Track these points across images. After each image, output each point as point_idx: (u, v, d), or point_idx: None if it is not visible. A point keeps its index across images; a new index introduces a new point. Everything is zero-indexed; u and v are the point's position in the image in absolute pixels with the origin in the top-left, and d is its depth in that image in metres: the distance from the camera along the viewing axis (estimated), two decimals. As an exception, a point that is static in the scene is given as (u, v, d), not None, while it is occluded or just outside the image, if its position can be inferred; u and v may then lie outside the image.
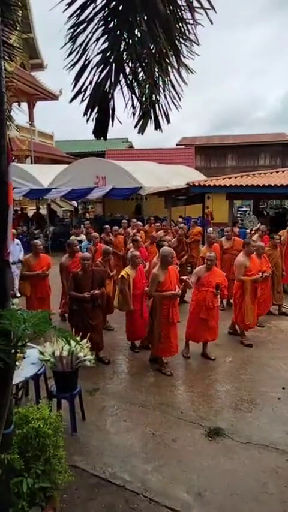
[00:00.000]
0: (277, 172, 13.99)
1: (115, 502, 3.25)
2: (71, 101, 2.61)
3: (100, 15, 2.49)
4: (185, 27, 2.57)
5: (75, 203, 18.80)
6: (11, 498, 2.57)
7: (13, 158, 22.32)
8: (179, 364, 5.75)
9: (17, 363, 3.49)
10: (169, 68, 2.68)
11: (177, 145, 28.47)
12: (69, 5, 2.45)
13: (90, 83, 2.58)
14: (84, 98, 2.61)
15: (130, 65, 2.61)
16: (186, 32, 2.58)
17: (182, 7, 2.49)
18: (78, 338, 4.12)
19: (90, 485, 3.45)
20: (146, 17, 2.37)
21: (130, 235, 9.52)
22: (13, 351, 2.44)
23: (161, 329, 5.39)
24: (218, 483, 3.46)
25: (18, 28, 4.53)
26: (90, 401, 4.75)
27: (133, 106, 2.75)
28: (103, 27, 2.52)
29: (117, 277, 6.83)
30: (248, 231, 11.20)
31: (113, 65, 2.55)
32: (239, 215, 18.55)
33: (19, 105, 22.43)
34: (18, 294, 7.05)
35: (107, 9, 2.49)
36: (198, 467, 3.66)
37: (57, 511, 2.89)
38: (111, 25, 2.51)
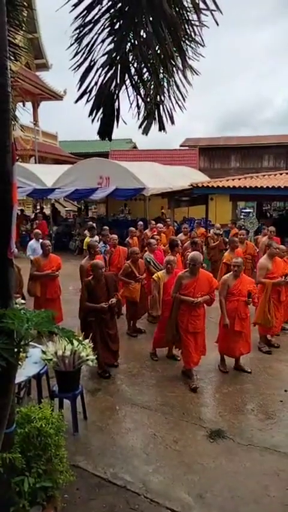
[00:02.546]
0: (281, 174, 13.95)
1: (116, 503, 3.25)
2: (77, 101, 2.62)
3: (106, 16, 2.51)
4: (191, 29, 2.57)
5: (75, 202, 18.83)
6: (12, 497, 2.58)
7: (17, 158, 22.41)
8: (180, 365, 5.74)
9: (19, 362, 3.50)
10: (174, 69, 2.69)
11: (181, 146, 28.45)
12: (76, 5, 2.46)
13: (96, 83, 2.59)
14: (89, 99, 2.62)
15: (135, 66, 2.63)
16: (192, 34, 2.59)
17: (187, 8, 2.49)
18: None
19: (92, 485, 3.45)
20: (151, 18, 2.38)
21: (148, 236, 9.37)
22: (16, 350, 2.44)
23: (178, 335, 5.21)
24: (219, 485, 3.45)
25: (23, 28, 4.56)
26: (92, 401, 4.76)
27: (138, 107, 2.77)
28: (109, 29, 2.53)
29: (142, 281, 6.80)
30: (250, 233, 11.16)
31: (119, 66, 2.56)
32: (242, 217, 18.52)
33: (24, 105, 22.50)
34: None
35: (113, 10, 2.50)
36: (200, 469, 3.65)
37: (58, 511, 2.89)
38: (117, 26, 2.52)
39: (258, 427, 4.29)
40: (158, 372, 5.59)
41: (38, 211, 18.74)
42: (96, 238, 8.97)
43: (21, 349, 2.51)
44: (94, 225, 10.97)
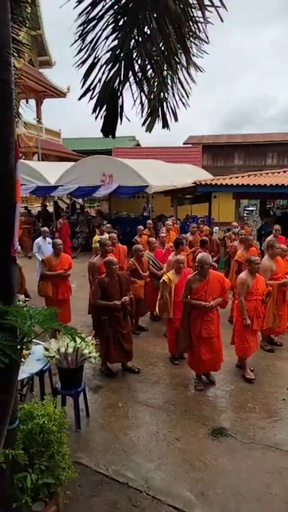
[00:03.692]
0: (285, 171, 13.88)
1: (118, 500, 3.27)
2: (80, 98, 2.61)
3: (110, 12, 2.49)
4: (195, 26, 2.56)
5: (80, 200, 18.81)
6: (15, 493, 2.59)
7: (20, 155, 22.40)
8: (183, 363, 5.74)
9: (22, 359, 3.51)
10: (178, 66, 2.68)
11: (184, 143, 28.38)
12: (80, 2, 2.45)
13: (99, 80, 2.58)
14: (93, 96, 2.61)
15: (139, 62, 2.61)
16: (196, 31, 2.57)
17: (192, 5, 2.48)
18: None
19: (94, 482, 3.46)
20: (156, 15, 2.36)
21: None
22: (19, 347, 2.45)
23: (191, 341, 4.98)
24: (220, 482, 3.46)
25: (27, 25, 4.55)
26: (94, 399, 4.77)
27: (141, 104, 2.75)
28: (113, 25, 2.52)
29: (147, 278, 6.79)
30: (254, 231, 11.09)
31: (122, 62, 2.55)
32: (245, 215, 18.46)
33: (27, 102, 22.54)
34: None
35: (117, 6, 2.49)
36: (202, 466, 3.66)
37: (60, 507, 2.91)
38: (121, 23, 2.51)
39: (260, 426, 4.29)
40: (161, 370, 5.60)
41: (41, 208, 18.77)
42: (106, 236, 8.75)
43: (24, 346, 2.52)
44: (105, 222, 10.90)
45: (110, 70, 2.57)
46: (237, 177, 13.32)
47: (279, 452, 3.85)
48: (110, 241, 6.88)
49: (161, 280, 5.70)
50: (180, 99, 2.80)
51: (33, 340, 2.67)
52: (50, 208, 18.71)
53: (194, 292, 4.89)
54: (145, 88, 2.75)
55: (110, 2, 2.49)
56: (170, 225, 9.91)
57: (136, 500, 3.26)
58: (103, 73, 2.56)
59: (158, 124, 2.84)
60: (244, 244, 7.36)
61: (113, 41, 2.53)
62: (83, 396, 4.39)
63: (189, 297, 4.93)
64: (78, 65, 2.57)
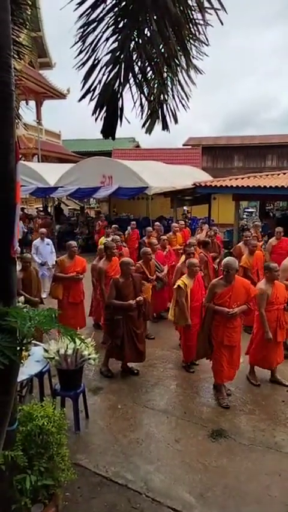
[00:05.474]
0: (284, 173, 13.90)
1: (117, 501, 3.26)
2: (80, 100, 2.62)
3: (110, 14, 2.50)
4: (195, 28, 2.57)
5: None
6: (14, 495, 2.59)
7: (20, 156, 22.43)
8: (181, 366, 5.73)
9: (21, 360, 3.50)
10: (178, 68, 2.68)
11: (184, 145, 28.43)
12: (80, 4, 2.46)
13: (99, 82, 2.59)
14: (93, 98, 2.62)
15: (139, 64, 2.62)
16: (196, 33, 2.58)
17: (192, 7, 2.49)
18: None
19: (93, 483, 3.46)
20: (156, 17, 2.37)
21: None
22: (18, 348, 2.44)
23: (211, 348, 4.78)
24: (220, 484, 3.45)
25: (27, 26, 4.55)
26: (94, 400, 4.77)
27: (141, 106, 2.76)
28: (113, 27, 2.53)
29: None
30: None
31: (123, 64, 2.55)
32: (245, 216, 18.49)
33: (27, 103, 22.54)
34: (44, 295, 6.69)
35: (117, 8, 2.50)
36: (201, 468, 3.66)
37: (59, 509, 2.90)
38: (121, 25, 2.52)
39: (260, 427, 4.29)
40: (160, 372, 5.59)
41: (41, 209, 18.75)
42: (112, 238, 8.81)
43: (23, 348, 2.52)
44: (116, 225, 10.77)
45: (110, 72, 2.57)
46: (236, 179, 13.34)
47: (278, 454, 3.85)
48: (115, 245, 6.71)
49: (176, 286, 5.49)
50: (180, 101, 2.81)
51: (32, 341, 2.67)
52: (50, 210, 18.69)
53: (218, 298, 4.66)
54: (145, 90, 2.76)
55: (111, 4, 2.50)
56: (176, 227, 9.80)
57: (135, 502, 3.25)
58: (103, 75, 2.57)
59: (158, 126, 2.84)
60: (248, 249, 7.15)
61: (113, 43, 2.54)
62: (83, 398, 4.38)
63: (212, 302, 4.72)
64: (79, 67, 2.58)
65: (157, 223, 10.39)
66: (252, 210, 21.11)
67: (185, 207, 17.23)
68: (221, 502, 3.27)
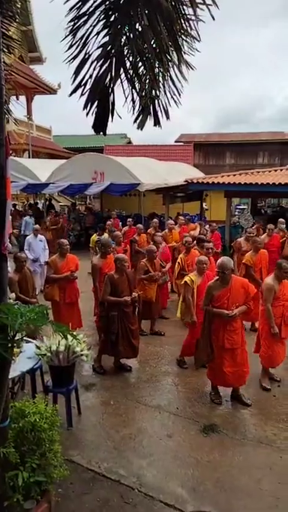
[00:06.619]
0: (275, 170, 14.00)
1: (110, 497, 3.27)
2: (71, 94, 2.59)
3: (101, 8, 2.48)
4: (187, 23, 2.56)
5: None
6: (6, 491, 2.58)
7: (11, 152, 22.21)
8: (174, 360, 5.76)
9: (13, 357, 3.49)
10: (170, 63, 2.67)
11: (176, 142, 28.40)
12: (70, -3, 2.43)
13: (90, 76, 2.57)
14: (84, 92, 2.60)
15: (131, 59, 2.60)
16: (188, 28, 2.57)
17: (184, 2, 2.48)
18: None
19: (86, 479, 3.46)
20: (147, 12, 2.36)
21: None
22: (10, 345, 2.43)
23: (212, 353, 4.64)
24: (212, 478, 3.48)
25: (17, 20, 4.49)
26: (86, 396, 4.77)
27: (133, 101, 2.74)
28: (104, 21, 2.51)
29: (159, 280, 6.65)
30: (244, 230, 11.17)
31: (114, 59, 2.54)
32: (236, 213, 18.56)
33: (17, 98, 22.26)
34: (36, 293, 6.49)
35: (108, 2, 2.47)
36: (193, 463, 3.68)
37: (52, 505, 2.90)
38: (112, 19, 2.50)
39: (251, 422, 4.33)
40: (152, 368, 5.61)
41: (27, 205, 18.60)
42: (106, 235, 8.62)
43: (15, 344, 2.51)
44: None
45: (101, 66, 2.55)
46: (228, 176, 13.39)
47: (269, 448, 3.89)
48: (112, 243, 6.60)
49: (183, 282, 5.50)
50: (171, 97, 2.80)
51: (24, 338, 2.66)
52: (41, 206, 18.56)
53: (215, 300, 4.55)
54: (136, 85, 2.74)
55: (101, -2, 2.47)
56: (172, 224, 9.79)
57: (128, 497, 3.27)
58: (94, 69, 2.55)
59: (150, 121, 2.83)
60: (254, 247, 7.00)
61: (104, 37, 2.51)
62: (75, 394, 4.38)
63: (210, 305, 4.61)
64: (69, 61, 2.55)
65: (155, 220, 10.35)
66: (244, 207, 21.21)
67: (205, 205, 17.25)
68: (213, 495, 3.30)
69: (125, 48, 2.57)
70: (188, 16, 2.55)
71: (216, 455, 3.79)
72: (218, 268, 4.54)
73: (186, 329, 6.40)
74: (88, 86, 2.59)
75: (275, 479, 3.49)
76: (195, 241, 7.34)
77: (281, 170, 14.04)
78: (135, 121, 2.76)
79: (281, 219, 9.98)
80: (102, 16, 2.51)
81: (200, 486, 3.39)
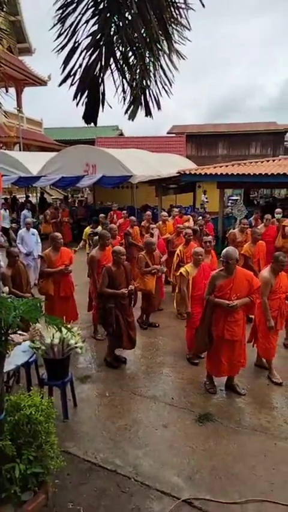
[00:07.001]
0: (268, 161, 14.00)
1: (107, 486, 3.30)
2: (60, 84, 2.55)
3: (90, -5, 2.43)
4: (177, 12, 2.52)
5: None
6: (3, 483, 2.60)
7: (1, 145, 21.94)
8: (169, 351, 5.80)
9: (7, 350, 3.48)
10: (160, 53, 2.64)
11: (168, 133, 28.28)
12: (58, -16, 2.38)
13: (80, 66, 2.52)
14: (73, 82, 2.55)
15: (121, 48, 2.56)
16: (178, 17, 2.53)
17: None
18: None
19: (82, 470, 3.49)
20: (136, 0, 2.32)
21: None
22: (4, 338, 2.43)
23: (210, 343, 4.62)
24: (207, 466, 3.53)
25: (4, 9, 4.40)
26: (81, 389, 4.79)
27: (123, 91, 2.71)
28: (93, 9, 2.46)
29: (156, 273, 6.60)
30: (238, 221, 11.17)
31: (103, 48, 2.49)
32: (229, 204, 18.58)
33: (6, 90, 21.92)
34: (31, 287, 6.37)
35: (97, -11, 2.43)
36: (189, 452, 3.73)
37: (49, 496, 2.93)
38: (101, 6, 2.45)
39: (246, 410, 4.39)
40: (147, 359, 5.64)
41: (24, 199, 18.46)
42: (100, 228, 8.51)
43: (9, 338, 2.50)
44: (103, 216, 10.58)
45: (90, 56, 2.51)
46: (221, 167, 13.36)
47: (264, 436, 3.95)
48: (109, 235, 6.44)
49: (178, 273, 5.52)
50: (163, 86, 2.76)
51: (18, 331, 2.65)
52: (32, 199, 18.42)
53: (218, 290, 4.49)
54: (127, 75, 2.70)
55: (90, -15, 2.42)
56: (165, 216, 9.77)
57: (125, 487, 3.30)
58: (83, 59, 2.50)
59: (141, 112, 2.80)
60: (252, 238, 7.03)
61: (93, 25, 2.47)
62: (70, 386, 4.40)
63: (213, 295, 4.55)
64: (58, 50, 2.51)
65: (148, 212, 10.31)
66: (237, 197, 21.23)
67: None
68: (209, 483, 3.34)
69: (115, 37, 2.53)
70: (178, 4, 2.52)
71: (211, 443, 3.84)
72: (223, 257, 4.48)
73: (180, 320, 6.46)
74: (78, 76, 2.55)
75: (270, 465, 3.55)
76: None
77: (274, 160, 14.04)
78: (126, 112, 2.73)
79: (278, 209, 10.02)
80: (91, 4, 2.46)
81: (196, 474, 3.44)
